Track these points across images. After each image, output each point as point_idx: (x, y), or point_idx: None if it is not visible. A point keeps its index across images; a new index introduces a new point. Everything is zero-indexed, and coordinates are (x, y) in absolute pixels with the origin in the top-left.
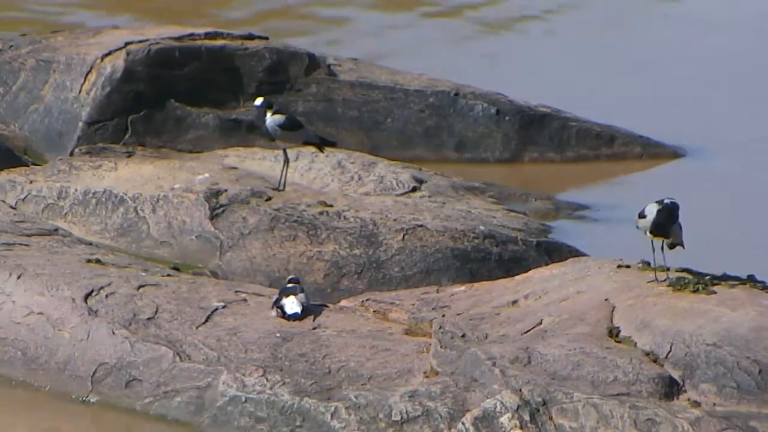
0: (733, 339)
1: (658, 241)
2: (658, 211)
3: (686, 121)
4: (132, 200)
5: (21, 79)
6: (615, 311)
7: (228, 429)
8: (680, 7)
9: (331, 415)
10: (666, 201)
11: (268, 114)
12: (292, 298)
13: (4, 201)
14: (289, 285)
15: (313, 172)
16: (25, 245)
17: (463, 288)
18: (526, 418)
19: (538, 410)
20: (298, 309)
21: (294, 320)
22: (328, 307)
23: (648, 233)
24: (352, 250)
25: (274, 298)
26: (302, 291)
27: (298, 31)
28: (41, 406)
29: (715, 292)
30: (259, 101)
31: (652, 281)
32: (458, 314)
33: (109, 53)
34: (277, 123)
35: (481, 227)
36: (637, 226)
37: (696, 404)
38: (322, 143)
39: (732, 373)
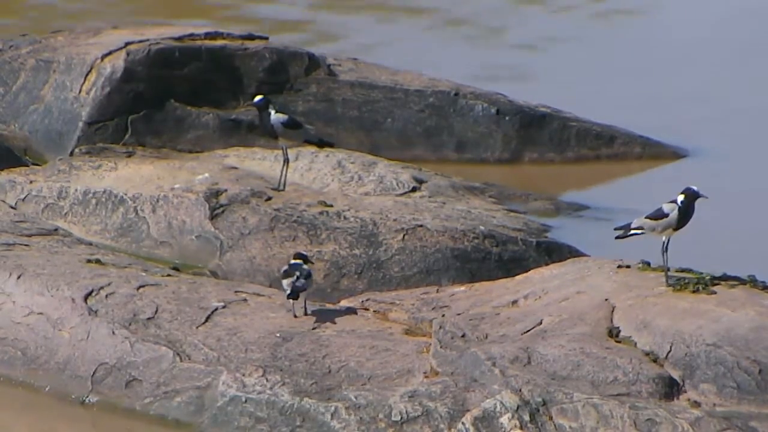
0: (733, 339)
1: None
2: (683, 202)
3: (687, 121)
4: (132, 200)
5: (21, 79)
6: (615, 311)
7: (228, 429)
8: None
9: (331, 416)
10: (690, 190)
11: (272, 112)
12: (288, 279)
13: (4, 201)
14: (294, 262)
15: (313, 172)
16: (25, 245)
17: (463, 288)
18: (526, 418)
19: (538, 410)
20: (289, 290)
21: (292, 299)
22: (332, 308)
23: (672, 229)
24: (352, 250)
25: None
26: (300, 275)
27: None
28: (41, 406)
29: (715, 292)
30: (258, 98)
31: (662, 284)
32: (458, 314)
33: (109, 53)
34: (281, 121)
35: (481, 227)
36: (653, 229)
37: (696, 404)
38: (321, 143)
39: (732, 373)
